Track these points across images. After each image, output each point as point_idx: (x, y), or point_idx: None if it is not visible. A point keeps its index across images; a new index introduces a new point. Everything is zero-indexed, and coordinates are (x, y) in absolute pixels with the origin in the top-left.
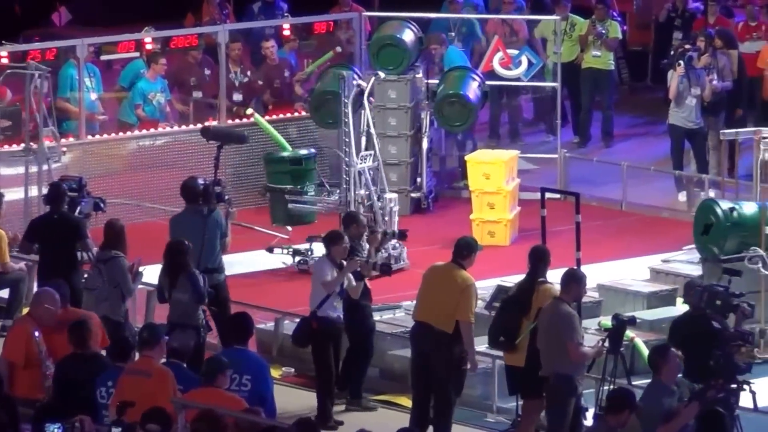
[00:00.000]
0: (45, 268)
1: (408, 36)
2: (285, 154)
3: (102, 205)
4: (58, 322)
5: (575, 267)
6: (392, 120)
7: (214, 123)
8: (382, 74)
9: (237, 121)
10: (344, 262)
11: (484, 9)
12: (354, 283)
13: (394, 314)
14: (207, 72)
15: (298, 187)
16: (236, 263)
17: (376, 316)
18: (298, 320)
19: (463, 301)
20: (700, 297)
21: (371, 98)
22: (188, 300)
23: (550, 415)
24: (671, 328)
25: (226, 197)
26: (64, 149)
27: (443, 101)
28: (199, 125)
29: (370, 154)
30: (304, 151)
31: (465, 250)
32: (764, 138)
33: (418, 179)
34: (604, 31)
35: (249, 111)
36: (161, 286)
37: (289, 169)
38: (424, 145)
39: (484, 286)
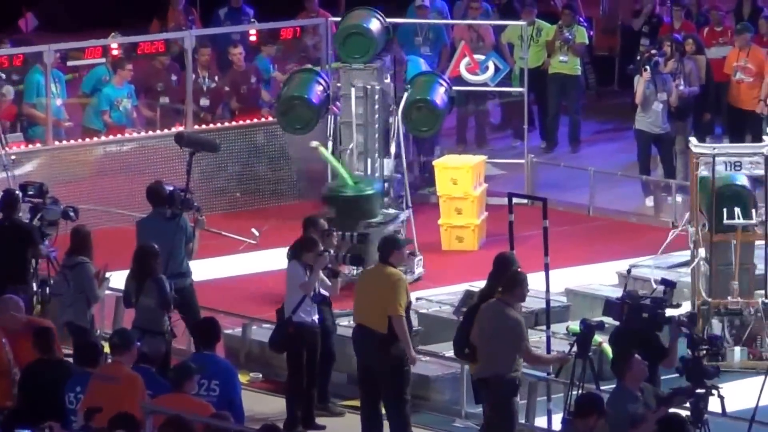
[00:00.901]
0: None
1: (374, 25)
2: (350, 193)
3: (72, 213)
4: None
5: (520, 270)
6: (359, 109)
7: (182, 128)
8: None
9: (203, 126)
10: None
11: (449, 15)
12: (329, 282)
13: None
14: (174, 78)
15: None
16: (204, 268)
17: (344, 322)
18: (266, 326)
19: (392, 295)
20: (620, 312)
21: (338, 103)
22: (154, 305)
23: (494, 418)
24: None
25: (195, 204)
26: (13, 157)
27: (411, 107)
28: (166, 131)
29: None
30: (369, 189)
31: (387, 246)
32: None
33: (386, 184)
34: (570, 37)
35: (313, 144)
36: (128, 291)
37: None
38: (392, 150)
39: (453, 291)
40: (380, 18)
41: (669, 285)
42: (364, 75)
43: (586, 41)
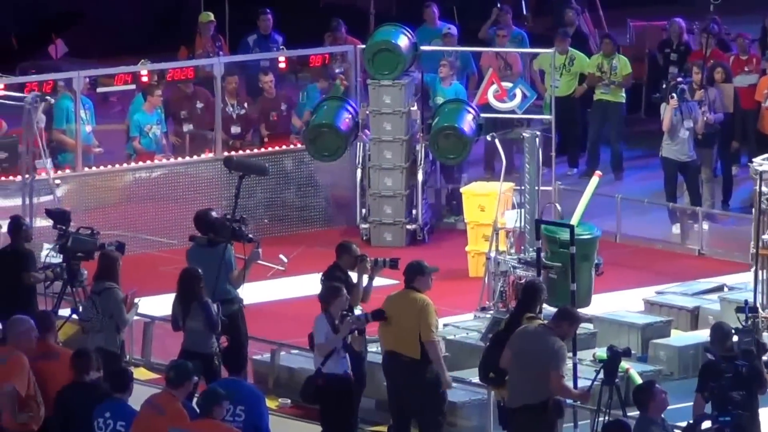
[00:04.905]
0: (1, 300)
1: (403, 41)
2: (564, 236)
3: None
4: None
5: (571, 305)
6: (387, 125)
7: (232, 153)
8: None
9: (233, 153)
10: (341, 311)
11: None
12: (355, 335)
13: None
14: (199, 105)
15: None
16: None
17: (372, 347)
18: (294, 351)
19: (423, 321)
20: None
21: (367, 131)
22: (201, 328)
23: None
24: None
25: (249, 236)
26: (58, 182)
27: (438, 134)
28: (195, 157)
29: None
30: (587, 233)
31: (413, 272)
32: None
33: (414, 211)
34: (615, 81)
35: (597, 174)
36: (175, 314)
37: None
38: (420, 177)
39: (479, 318)
40: (408, 34)
41: (752, 311)
42: (392, 91)
43: (630, 70)
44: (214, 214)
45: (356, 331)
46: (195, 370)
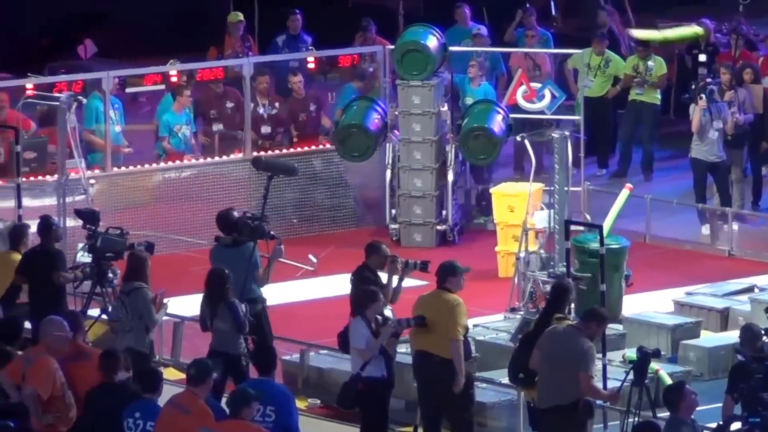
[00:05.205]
0: (32, 299)
1: (432, 42)
2: (593, 246)
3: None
4: (72, 355)
5: (601, 305)
6: (416, 126)
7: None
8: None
9: (261, 153)
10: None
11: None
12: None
13: None
14: (230, 105)
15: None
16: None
17: (401, 348)
18: (323, 352)
19: (452, 319)
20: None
21: (396, 132)
22: (229, 329)
23: None
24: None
25: (271, 233)
26: (92, 181)
27: (468, 134)
28: (225, 158)
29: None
30: (615, 243)
31: (445, 272)
32: None
33: (444, 212)
34: (648, 81)
35: (628, 187)
36: (203, 315)
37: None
38: (450, 177)
39: (509, 318)
40: (437, 35)
41: None
42: (422, 92)
43: (665, 70)
44: (235, 213)
45: (393, 334)
46: (216, 366)
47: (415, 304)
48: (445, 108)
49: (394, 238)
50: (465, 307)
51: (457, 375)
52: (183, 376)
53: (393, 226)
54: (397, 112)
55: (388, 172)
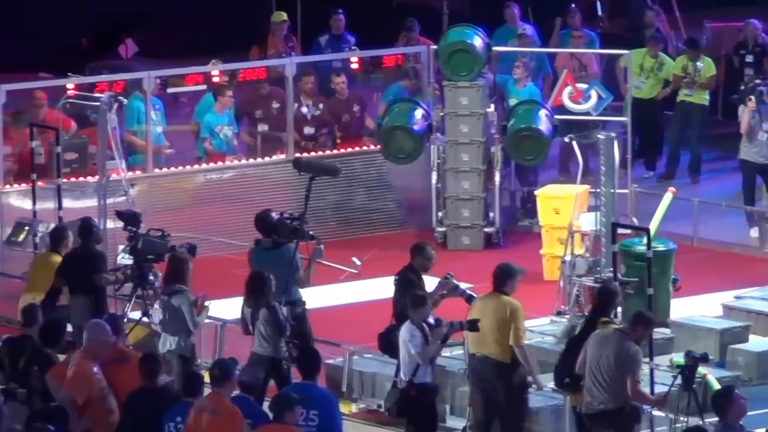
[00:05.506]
0: (72, 302)
1: (477, 42)
2: (640, 249)
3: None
4: (114, 358)
5: (647, 308)
6: (464, 127)
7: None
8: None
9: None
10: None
11: (541, 41)
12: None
13: (463, 350)
14: (275, 105)
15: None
16: (304, 298)
17: (445, 352)
18: (367, 355)
19: (512, 325)
20: None
21: (439, 134)
22: (270, 332)
23: None
24: None
25: (310, 233)
26: (133, 183)
27: (516, 135)
28: (267, 159)
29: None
30: (662, 246)
31: (504, 275)
32: None
33: (491, 214)
34: (697, 80)
35: (671, 190)
36: (245, 318)
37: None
38: (497, 179)
39: (555, 322)
40: (481, 35)
41: None
42: (470, 92)
43: (714, 71)
44: (274, 214)
45: (443, 339)
46: (258, 370)
47: (472, 306)
48: (492, 109)
49: (439, 241)
50: (523, 311)
51: (536, 378)
52: None
53: (440, 229)
54: (442, 114)
55: (434, 175)
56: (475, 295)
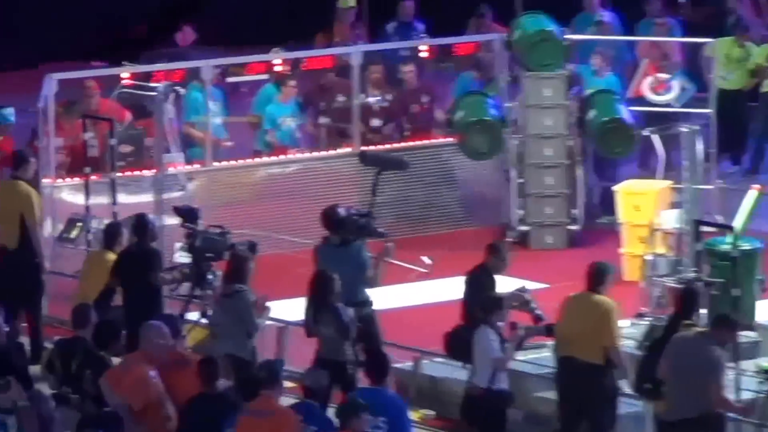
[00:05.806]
0: (127, 302)
1: (555, 29)
2: (724, 248)
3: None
4: (173, 362)
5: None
6: (548, 121)
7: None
8: None
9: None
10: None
11: (622, 29)
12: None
13: (539, 354)
14: (342, 98)
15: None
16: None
17: (519, 356)
18: (438, 359)
19: (606, 326)
20: None
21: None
22: (334, 335)
23: None
24: None
25: (379, 230)
26: (191, 177)
27: (602, 127)
28: (332, 152)
29: None
30: (748, 245)
31: (599, 274)
32: None
33: (574, 211)
34: None
35: (756, 187)
36: (307, 320)
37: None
38: (579, 175)
39: (635, 324)
40: (554, 22)
41: None
42: (554, 83)
43: None
44: (341, 210)
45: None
46: (322, 374)
47: (564, 305)
48: (572, 100)
49: (514, 241)
50: (617, 311)
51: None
52: (288, 384)
53: (521, 227)
54: (509, 105)
55: (513, 170)
56: (544, 317)
